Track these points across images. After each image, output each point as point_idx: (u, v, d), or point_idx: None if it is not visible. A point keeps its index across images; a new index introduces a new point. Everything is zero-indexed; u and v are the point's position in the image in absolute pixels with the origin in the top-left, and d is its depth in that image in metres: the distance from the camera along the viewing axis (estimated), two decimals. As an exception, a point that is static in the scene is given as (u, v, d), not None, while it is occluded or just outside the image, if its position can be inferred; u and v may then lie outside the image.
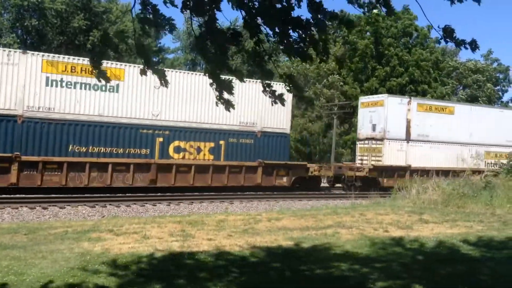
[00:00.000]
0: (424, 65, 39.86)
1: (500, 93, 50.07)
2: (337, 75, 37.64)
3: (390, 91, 37.28)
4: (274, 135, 22.14)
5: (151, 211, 15.62)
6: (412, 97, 26.69)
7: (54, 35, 33.64)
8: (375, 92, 36.41)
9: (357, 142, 27.03)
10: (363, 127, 26.18)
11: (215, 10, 4.46)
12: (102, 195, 17.60)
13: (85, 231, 9.74)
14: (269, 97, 5.08)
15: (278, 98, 5.00)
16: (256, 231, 10.46)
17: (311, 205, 18.46)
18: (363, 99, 27.54)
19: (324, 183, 25.40)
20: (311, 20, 4.46)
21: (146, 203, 16.71)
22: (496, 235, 10.88)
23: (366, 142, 25.82)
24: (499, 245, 9.89)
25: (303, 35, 4.55)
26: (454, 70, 45.59)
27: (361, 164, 25.23)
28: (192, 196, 18.88)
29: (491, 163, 27.66)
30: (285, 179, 21.97)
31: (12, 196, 16.22)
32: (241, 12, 4.50)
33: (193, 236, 9.57)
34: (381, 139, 24.81)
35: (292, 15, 4.46)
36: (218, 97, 4.96)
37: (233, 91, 4.78)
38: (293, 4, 4.48)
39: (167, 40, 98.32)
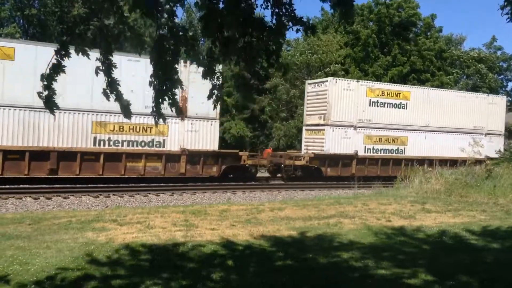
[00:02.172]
0: (427, 54, 39.69)
1: (503, 82, 49.76)
2: (339, 64, 37.48)
3: (392, 80, 37.17)
4: None
5: (154, 201, 15.67)
6: None
7: (54, 24, 33.49)
8: (380, 78, 36.23)
9: None
10: None
11: (174, 7, 4.29)
12: (105, 185, 17.66)
13: (89, 221, 9.78)
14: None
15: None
16: (259, 221, 10.48)
17: (313, 195, 18.50)
18: None
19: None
20: (272, 24, 4.30)
21: (150, 193, 16.76)
22: (499, 225, 10.89)
23: None
24: (502, 234, 9.89)
25: (260, 37, 4.34)
26: (458, 59, 45.33)
27: None
28: (195, 186, 18.94)
29: (107, 139, 18.37)
30: None
31: (16, 186, 16.30)
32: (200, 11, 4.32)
33: (196, 226, 9.60)
34: None
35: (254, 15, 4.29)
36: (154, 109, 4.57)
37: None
38: (255, 1, 4.31)
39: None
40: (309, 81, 26.06)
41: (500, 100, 28.59)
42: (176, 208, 12.41)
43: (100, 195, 15.84)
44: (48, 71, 4.30)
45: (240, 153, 21.31)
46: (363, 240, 8.84)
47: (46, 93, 4.29)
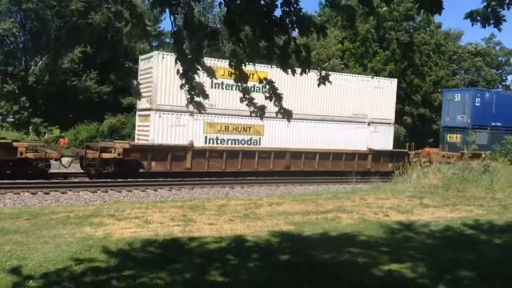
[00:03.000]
0: (424, 49, 39.66)
1: (503, 76, 49.67)
2: (338, 59, 37.43)
3: (391, 75, 37.16)
4: None
5: (152, 196, 15.67)
6: None
7: (52, 19, 33.32)
8: (378, 73, 36.22)
9: None
10: None
11: (191, 3, 4.34)
12: (103, 180, 17.65)
13: (87, 216, 9.79)
14: (247, 105, 4.91)
15: (259, 110, 4.85)
16: (257, 215, 10.50)
17: (312, 189, 18.51)
18: None
19: None
20: (293, 19, 4.30)
21: (148, 188, 16.75)
22: (496, 219, 10.92)
23: None
24: (499, 229, 9.93)
25: (286, 38, 4.37)
26: (455, 54, 45.30)
27: None
28: (193, 181, 18.93)
29: None
30: None
31: (13, 181, 16.27)
32: (223, 7, 4.35)
33: (194, 221, 9.61)
34: None
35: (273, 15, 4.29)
36: (189, 100, 4.83)
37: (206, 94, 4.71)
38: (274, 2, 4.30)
39: (167, 24, 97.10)
40: (142, 57, 21.69)
41: (389, 84, 24.43)
42: (174, 203, 12.41)
43: (98, 190, 15.82)
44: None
45: (15, 144, 17.16)
46: (361, 235, 8.86)
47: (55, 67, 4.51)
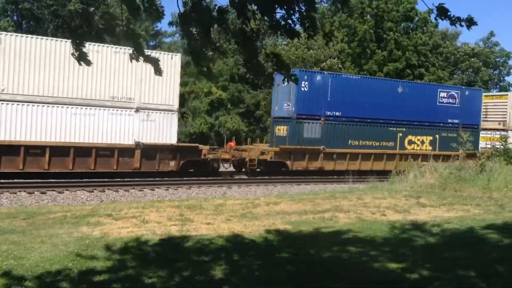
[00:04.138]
0: (421, 49, 39.72)
1: (501, 77, 49.72)
2: (336, 59, 37.47)
3: (388, 75, 37.23)
4: None
5: (149, 195, 15.65)
6: None
7: (50, 18, 33.25)
8: (374, 75, 36.28)
9: None
10: None
11: None
12: (100, 180, 17.61)
13: (84, 215, 9.76)
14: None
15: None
16: (255, 215, 10.49)
17: (309, 189, 18.53)
18: None
19: None
20: None
21: (145, 188, 16.74)
22: (493, 219, 10.93)
23: None
24: (497, 228, 9.93)
25: (291, 12, 4.39)
26: (452, 55, 45.39)
27: None
28: (190, 181, 18.92)
29: None
30: None
31: (10, 180, 16.23)
32: None
33: (191, 221, 9.60)
34: None
35: None
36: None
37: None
38: None
39: (165, 24, 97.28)
40: None
41: (169, 60, 19.12)
42: (171, 202, 12.39)
43: (95, 189, 15.80)
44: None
45: None
46: (358, 234, 8.86)
47: (77, 53, 4.58)
